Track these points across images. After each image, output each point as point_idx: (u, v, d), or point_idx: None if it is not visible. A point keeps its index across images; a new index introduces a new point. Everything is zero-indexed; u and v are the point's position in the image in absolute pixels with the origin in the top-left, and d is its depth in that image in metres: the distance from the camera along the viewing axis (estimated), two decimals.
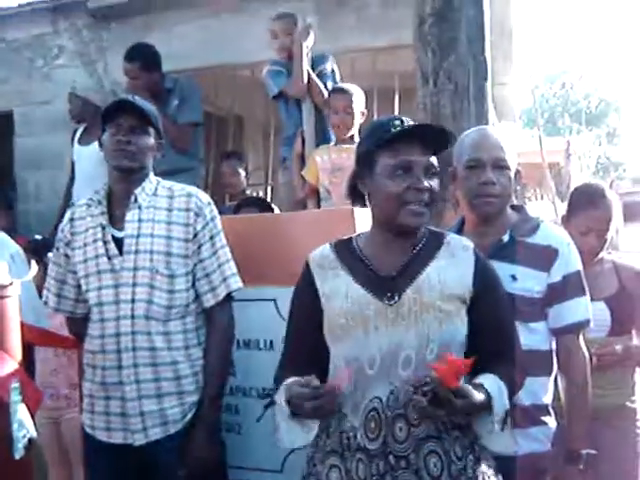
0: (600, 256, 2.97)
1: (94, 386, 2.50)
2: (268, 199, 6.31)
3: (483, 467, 1.90)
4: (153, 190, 2.55)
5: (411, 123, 1.93)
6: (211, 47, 5.87)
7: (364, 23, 5.56)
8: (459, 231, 2.42)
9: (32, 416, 2.45)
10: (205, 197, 2.57)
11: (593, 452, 2.30)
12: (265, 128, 7.40)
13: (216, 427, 2.51)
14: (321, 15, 5.45)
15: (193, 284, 2.51)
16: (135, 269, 2.44)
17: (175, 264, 2.46)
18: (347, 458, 1.88)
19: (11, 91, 6.56)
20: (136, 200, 2.50)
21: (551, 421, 2.36)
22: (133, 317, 2.42)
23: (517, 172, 2.43)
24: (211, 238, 2.51)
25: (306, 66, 4.32)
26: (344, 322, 1.91)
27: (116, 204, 2.54)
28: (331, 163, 4.06)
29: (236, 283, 2.53)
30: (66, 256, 2.59)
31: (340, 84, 4.39)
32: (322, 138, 4.38)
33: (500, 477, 1.95)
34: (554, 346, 2.38)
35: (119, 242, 2.47)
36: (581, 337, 2.39)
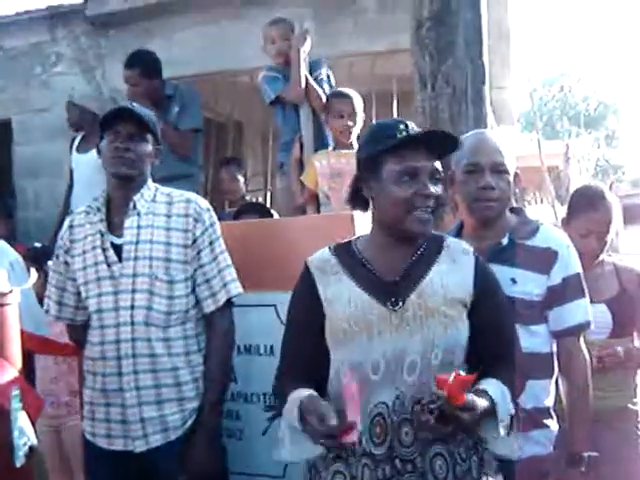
0: (600, 258, 2.97)
1: (94, 393, 2.50)
2: (268, 205, 6.32)
3: (487, 468, 1.90)
4: (152, 196, 2.55)
5: (416, 128, 1.92)
6: (210, 53, 5.88)
7: (362, 28, 5.57)
8: (458, 234, 2.42)
9: (33, 424, 2.45)
10: (204, 203, 2.57)
11: (595, 454, 2.30)
12: (264, 134, 7.41)
13: (217, 433, 2.51)
14: (319, 20, 5.46)
15: (193, 290, 2.51)
16: (134, 275, 2.44)
17: (174, 270, 2.46)
18: (352, 464, 1.87)
19: (9, 99, 6.56)
20: (135, 207, 2.50)
21: (553, 424, 2.36)
22: (133, 324, 2.42)
23: (516, 175, 2.43)
24: (210, 244, 2.51)
25: (304, 71, 4.32)
26: (347, 327, 1.89)
27: (115, 211, 2.54)
28: (330, 168, 4.05)
29: (236, 288, 2.52)
30: (65, 263, 2.59)
31: (340, 88, 4.39)
32: (320, 143, 4.38)
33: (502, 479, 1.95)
34: (555, 349, 2.38)
35: (118, 249, 2.47)
36: (582, 339, 2.39)
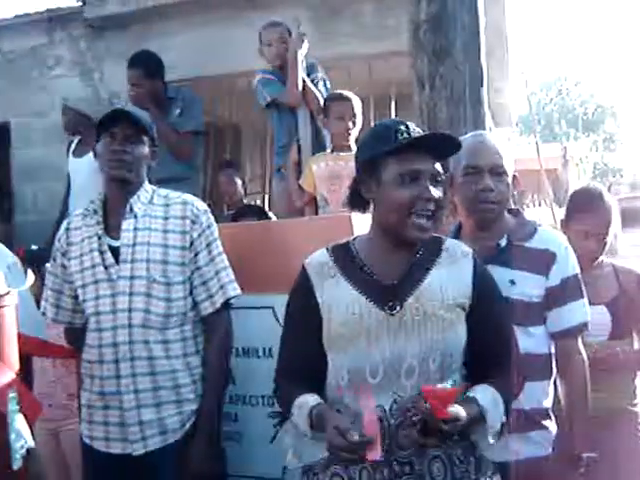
0: (600, 260, 2.97)
1: (92, 396, 2.49)
2: (266, 208, 6.32)
3: (485, 470, 1.90)
4: (149, 199, 2.55)
5: (417, 130, 1.91)
6: (207, 57, 5.87)
7: (359, 31, 5.57)
8: (456, 236, 2.42)
9: (30, 426, 2.44)
10: (201, 205, 2.57)
11: (594, 455, 2.29)
12: (262, 137, 7.40)
13: (215, 435, 2.49)
14: (317, 23, 5.47)
15: (190, 292, 2.50)
16: (132, 278, 2.44)
17: (172, 272, 2.46)
18: (350, 466, 1.86)
19: (8, 102, 6.55)
20: (132, 209, 2.50)
21: (551, 425, 2.35)
22: (130, 326, 2.41)
23: (514, 177, 2.43)
24: (208, 245, 2.50)
25: (301, 73, 4.32)
26: (345, 332, 1.89)
27: (112, 213, 2.54)
28: (328, 171, 4.04)
29: (234, 290, 2.52)
30: (63, 266, 2.59)
31: (339, 91, 4.39)
32: (318, 146, 4.37)
33: None
34: (553, 350, 2.38)
35: (115, 251, 2.47)
36: (580, 340, 2.39)
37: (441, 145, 1.91)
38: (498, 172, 2.36)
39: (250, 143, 8.05)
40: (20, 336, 2.60)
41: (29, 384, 3.32)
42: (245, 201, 5.65)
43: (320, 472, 1.93)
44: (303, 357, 2.00)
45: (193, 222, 2.49)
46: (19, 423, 2.36)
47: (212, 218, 2.57)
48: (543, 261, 2.33)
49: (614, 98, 38.68)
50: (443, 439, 1.76)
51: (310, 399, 1.88)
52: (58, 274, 2.61)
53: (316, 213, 4.13)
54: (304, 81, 4.34)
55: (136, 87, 4.56)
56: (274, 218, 4.27)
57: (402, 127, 1.88)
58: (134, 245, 2.46)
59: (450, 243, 2.02)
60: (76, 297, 2.56)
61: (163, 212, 2.52)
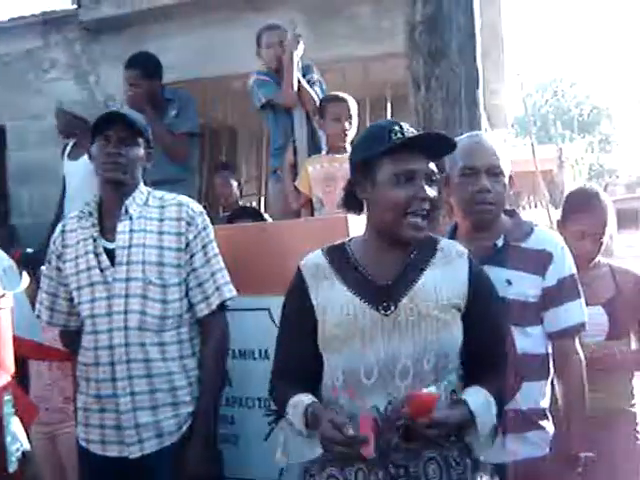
0: (596, 260, 2.97)
1: (88, 399, 2.48)
2: (262, 209, 6.31)
3: (481, 471, 1.90)
4: (144, 200, 2.54)
5: (411, 130, 1.92)
6: (203, 59, 5.87)
7: (355, 32, 5.57)
8: (452, 236, 2.42)
9: (26, 430, 2.43)
10: (197, 206, 2.57)
11: (592, 455, 2.29)
12: (258, 139, 7.41)
13: (212, 438, 2.48)
14: (312, 25, 5.46)
15: (187, 294, 2.50)
16: (127, 280, 2.43)
17: (168, 274, 2.45)
18: (346, 468, 1.87)
19: (3, 105, 6.54)
20: (127, 211, 2.49)
21: (549, 425, 2.35)
22: (126, 328, 2.40)
23: (510, 178, 2.43)
24: (203, 247, 2.50)
25: (297, 74, 4.32)
26: (340, 333, 1.89)
27: (107, 215, 2.53)
28: (324, 172, 4.04)
29: (230, 292, 2.52)
30: (58, 269, 2.58)
31: (335, 92, 4.40)
32: (313, 147, 4.37)
33: None
34: (550, 350, 2.38)
35: (111, 253, 2.46)
36: (577, 340, 2.38)
37: (435, 145, 1.91)
38: (495, 173, 2.35)
39: (246, 145, 8.05)
40: (16, 339, 2.60)
41: (25, 387, 3.31)
42: (241, 203, 5.65)
43: (317, 474, 1.93)
44: (298, 358, 2.00)
45: (189, 224, 2.48)
46: (15, 426, 2.36)
47: (208, 220, 2.57)
48: (540, 261, 2.33)
49: (609, 99, 38.76)
50: (428, 443, 1.77)
51: (305, 398, 1.89)
52: (53, 277, 2.60)
53: (312, 215, 4.12)
54: (300, 82, 4.34)
55: (134, 87, 4.56)
56: (269, 220, 4.26)
57: (396, 127, 1.89)
58: (130, 247, 2.45)
59: (445, 243, 2.02)
60: (71, 300, 2.55)
61: (158, 214, 2.51)
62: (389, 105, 6.62)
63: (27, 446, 2.41)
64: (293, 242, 2.76)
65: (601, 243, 2.94)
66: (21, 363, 2.92)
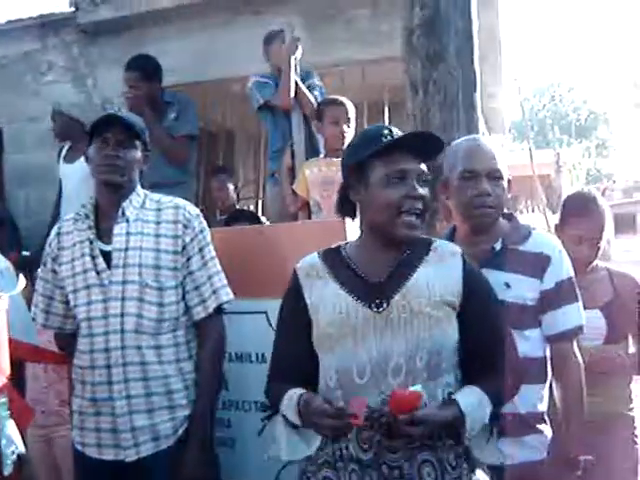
0: (594, 264, 2.97)
1: (84, 402, 2.46)
2: (259, 213, 6.32)
3: (478, 476, 1.89)
4: (141, 203, 2.54)
5: (400, 133, 1.95)
6: (201, 62, 5.86)
7: (353, 36, 5.57)
8: (450, 240, 2.42)
9: (22, 432, 2.42)
10: (193, 209, 2.56)
11: (590, 458, 2.29)
12: (256, 142, 7.41)
13: (208, 441, 2.48)
14: (310, 28, 5.46)
15: (183, 297, 2.49)
16: (124, 283, 2.42)
17: (164, 277, 2.44)
18: (340, 469, 1.87)
19: (0, 108, 6.53)
20: (124, 213, 2.48)
21: (546, 429, 2.35)
22: (123, 331, 2.39)
23: (508, 181, 2.43)
24: (200, 250, 2.49)
25: (294, 77, 4.32)
26: (333, 332, 1.91)
27: (103, 218, 2.52)
28: (321, 176, 4.03)
29: (226, 295, 2.51)
30: (54, 271, 2.57)
31: (333, 96, 4.40)
32: (311, 150, 4.37)
33: None
34: (549, 353, 2.38)
35: (107, 256, 2.45)
36: (575, 343, 2.38)
37: (424, 145, 1.95)
38: (495, 176, 2.36)
39: (244, 148, 8.05)
40: (11, 341, 2.59)
41: (21, 390, 3.30)
42: (238, 206, 5.65)
43: (312, 476, 1.94)
44: (294, 359, 2.01)
45: (185, 226, 2.48)
46: (10, 429, 2.35)
47: (204, 222, 2.56)
48: (538, 264, 2.33)
49: (607, 104, 38.81)
50: (412, 441, 1.77)
51: (300, 390, 1.91)
52: (49, 279, 2.59)
53: (309, 218, 4.12)
54: (297, 85, 4.34)
55: (133, 89, 4.57)
56: (267, 223, 4.26)
57: (386, 131, 1.94)
58: (126, 250, 2.45)
59: (439, 243, 2.04)
60: (67, 302, 2.54)
61: (155, 216, 2.50)
62: (387, 109, 6.62)
63: (22, 449, 2.41)
64: (291, 245, 2.76)
65: (598, 247, 2.94)
66: (17, 366, 2.91)
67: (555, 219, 3.21)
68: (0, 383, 2.40)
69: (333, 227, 2.65)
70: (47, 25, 6.42)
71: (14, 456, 2.33)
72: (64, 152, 5.08)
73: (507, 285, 2.29)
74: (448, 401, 1.84)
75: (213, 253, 2.53)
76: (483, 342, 1.93)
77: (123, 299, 2.41)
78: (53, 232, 2.62)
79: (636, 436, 2.92)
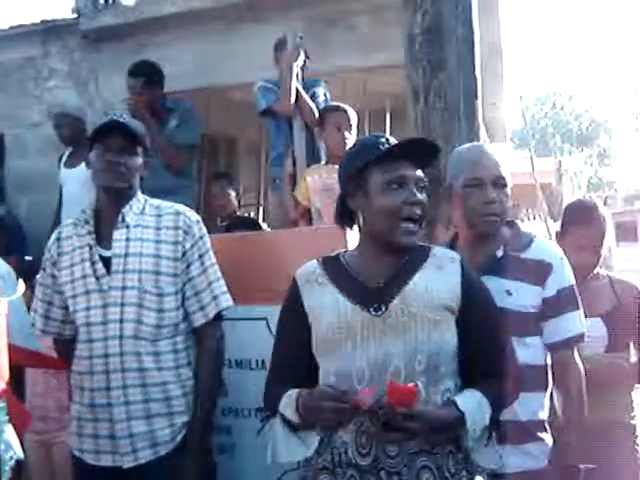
0: (595, 272, 2.97)
1: (82, 408, 2.46)
2: (260, 219, 6.31)
3: None
4: (141, 209, 2.54)
5: (395, 141, 1.97)
6: (203, 68, 5.88)
7: (355, 43, 5.58)
8: (451, 247, 2.42)
9: (20, 438, 2.42)
10: (194, 215, 2.56)
11: (592, 467, 2.28)
12: (257, 149, 7.41)
13: (207, 448, 2.48)
14: (312, 35, 5.46)
15: (183, 303, 2.48)
16: (123, 288, 2.41)
17: (164, 283, 2.44)
18: (339, 475, 1.87)
19: (2, 113, 6.53)
20: (124, 219, 2.48)
21: (547, 437, 2.34)
22: (122, 337, 2.39)
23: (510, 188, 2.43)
24: (200, 256, 2.49)
25: (294, 84, 4.32)
26: (332, 336, 1.91)
27: (103, 223, 2.52)
28: (322, 183, 4.02)
29: (226, 301, 2.51)
30: (53, 277, 2.57)
31: (334, 102, 4.41)
32: (312, 157, 4.38)
33: None
34: (549, 361, 2.37)
35: (106, 261, 2.45)
36: (576, 351, 2.37)
37: (421, 152, 1.97)
38: (500, 184, 2.36)
39: (245, 155, 8.05)
40: (11, 346, 2.58)
41: (21, 396, 3.29)
42: (239, 213, 5.65)
43: None
44: (293, 364, 2.02)
45: (185, 233, 2.48)
46: (8, 434, 2.34)
47: (204, 229, 2.56)
48: (539, 271, 2.32)
49: (608, 113, 38.82)
50: (410, 436, 1.75)
51: (297, 390, 1.91)
52: (48, 285, 2.59)
53: (310, 225, 4.11)
54: (299, 93, 4.34)
55: (136, 95, 4.58)
56: (268, 230, 4.25)
57: (383, 139, 1.97)
58: (126, 255, 2.44)
59: (438, 250, 2.06)
60: (66, 308, 2.54)
61: (155, 222, 2.50)
62: (388, 116, 6.63)
63: (21, 454, 2.40)
64: (291, 252, 2.76)
65: (599, 255, 2.94)
66: (17, 371, 2.90)
67: (556, 227, 3.20)
68: None
69: (334, 234, 2.63)
70: (49, 31, 6.44)
71: (12, 461, 2.31)
72: (65, 157, 5.09)
73: (508, 292, 2.29)
74: (447, 403, 1.84)
75: (213, 259, 2.53)
76: (482, 347, 1.94)
77: (122, 305, 2.41)
78: (53, 237, 2.62)
79: (637, 444, 2.90)
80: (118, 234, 2.46)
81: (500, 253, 2.36)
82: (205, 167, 6.94)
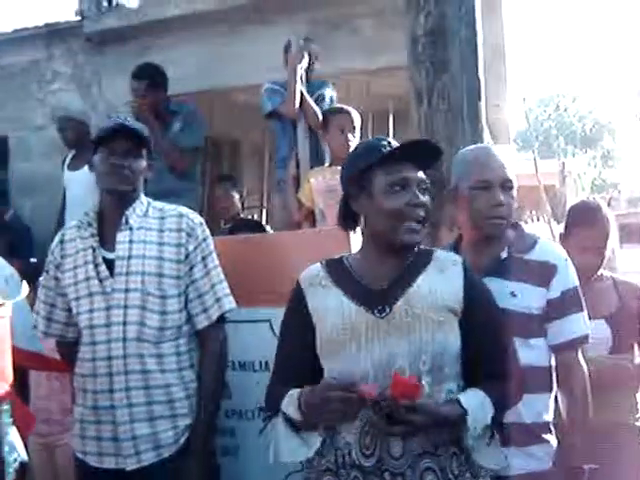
0: (599, 273, 2.96)
1: (85, 410, 2.46)
2: (263, 222, 6.31)
3: None
4: (144, 211, 2.54)
5: (397, 143, 1.98)
6: (206, 71, 5.88)
7: (358, 46, 5.58)
8: (455, 249, 2.42)
9: (24, 440, 2.42)
10: (197, 217, 2.56)
11: (595, 467, 2.27)
12: (261, 151, 7.42)
13: (210, 450, 2.47)
14: (316, 38, 5.46)
15: (186, 305, 2.48)
16: (126, 291, 2.41)
17: (167, 285, 2.44)
18: (342, 476, 1.87)
19: (6, 116, 6.55)
20: (127, 221, 2.48)
21: (552, 439, 2.33)
22: (125, 340, 2.39)
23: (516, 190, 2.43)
24: (203, 259, 2.49)
25: (299, 87, 4.32)
26: (336, 337, 1.91)
27: (106, 225, 2.52)
28: (326, 184, 4.02)
29: (229, 303, 2.50)
30: (56, 279, 2.57)
31: (337, 105, 4.41)
32: (316, 159, 4.38)
33: None
34: (554, 362, 2.36)
35: (110, 264, 2.45)
36: (580, 353, 2.37)
37: (423, 154, 1.98)
38: (507, 186, 2.36)
39: (249, 157, 8.06)
40: (15, 349, 2.58)
41: (25, 398, 3.29)
42: (243, 215, 5.65)
43: None
44: (297, 365, 2.02)
45: (189, 235, 2.48)
46: (12, 436, 2.34)
47: (208, 231, 2.56)
48: (544, 273, 2.32)
49: (612, 114, 38.75)
50: (412, 429, 1.75)
51: (300, 389, 1.91)
52: (51, 287, 2.59)
53: (314, 227, 4.11)
54: (303, 96, 4.35)
55: (140, 98, 4.59)
56: (271, 232, 4.25)
57: (384, 142, 1.98)
58: (129, 258, 2.44)
59: (440, 253, 2.07)
60: (69, 310, 2.54)
61: (158, 225, 2.50)
62: (391, 118, 6.63)
63: (25, 456, 2.40)
64: (294, 254, 2.76)
65: (603, 256, 2.93)
66: (21, 373, 2.90)
67: (560, 229, 3.20)
68: (3, 390, 2.39)
69: (337, 236, 2.64)
70: (53, 34, 6.45)
71: (16, 464, 2.32)
72: (68, 160, 5.10)
73: (513, 294, 2.28)
74: (450, 400, 1.85)
75: (216, 262, 2.53)
76: (485, 349, 1.94)
77: (125, 307, 2.41)
78: (56, 240, 2.62)
79: None
80: (121, 236, 2.46)
81: (504, 255, 2.36)
82: (209, 169, 6.94)
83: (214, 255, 2.53)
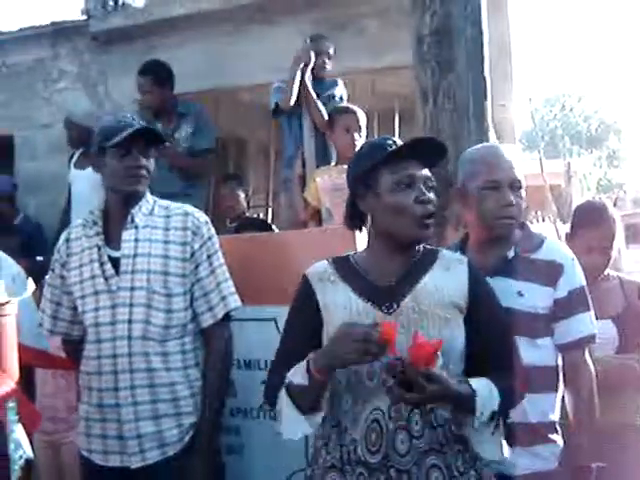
0: (606, 273, 2.96)
1: (90, 408, 2.46)
2: (269, 221, 6.31)
3: None
4: (150, 209, 2.53)
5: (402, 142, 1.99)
6: (212, 70, 5.89)
7: (363, 45, 5.58)
8: (461, 249, 2.41)
9: (29, 437, 2.42)
10: (202, 216, 2.56)
11: (602, 465, 2.26)
12: (266, 150, 7.42)
13: (215, 449, 2.47)
14: None
15: (191, 303, 2.48)
16: (132, 289, 2.42)
17: (172, 283, 2.44)
18: (347, 473, 1.86)
19: (12, 115, 6.57)
20: (133, 220, 2.48)
21: (558, 439, 2.33)
22: (130, 338, 2.39)
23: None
24: (209, 257, 2.49)
25: (297, 81, 4.34)
26: None
27: (112, 224, 2.52)
28: (332, 182, 4.02)
29: (235, 302, 2.50)
30: (62, 277, 2.57)
31: (344, 104, 4.42)
32: (322, 158, 4.38)
33: None
34: (560, 362, 2.36)
35: (115, 262, 2.45)
36: (587, 352, 2.36)
37: (428, 152, 1.98)
38: (517, 186, 2.36)
39: (254, 156, 8.07)
40: (21, 346, 2.59)
41: (31, 395, 3.30)
42: (248, 214, 5.65)
43: None
44: (300, 360, 1.96)
45: (194, 233, 2.48)
46: (18, 433, 2.35)
47: (213, 229, 2.56)
48: (550, 272, 2.32)
49: (618, 114, 38.66)
50: (425, 397, 1.73)
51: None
52: (57, 285, 2.59)
53: (320, 226, 4.11)
54: (309, 95, 4.35)
55: (146, 94, 4.60)
56: (277, 231, 4.26)
57: (390, 141, 1.98)
58: (135, 256, 2.44)
59: (445, 252, 2.08)
60: (74, 308, 2.54)
61: (164, 223, 2.50)
62: (397, 117, 6.63)
63: (31, 454, 2.40)
64: (300, 252, 2.76)
65: (609, 256, 2.92)
66: (27, 371, 2.91)
67: (566, 229, 3.19)
68: (9, 388, 2.40)
69: (343, 234, 2.64)
70: (59, 33, 6.47)
71: (22, 461, 2.32)
72: (75, 158, 5.10)
73: (520, 293, 2.28)
74: (461, 381, 1.83)
75: (222, 260, 2.53)
76: (489, 345, 1.94)
77: (131, 305, 2.41)
78: (62, 238, 2.62)
79: None
80: (127, 235, 2.47)
81: (511, 254, 2.36)
82: (215, 168, 6.94)
83: (219, 253, 2.53)
